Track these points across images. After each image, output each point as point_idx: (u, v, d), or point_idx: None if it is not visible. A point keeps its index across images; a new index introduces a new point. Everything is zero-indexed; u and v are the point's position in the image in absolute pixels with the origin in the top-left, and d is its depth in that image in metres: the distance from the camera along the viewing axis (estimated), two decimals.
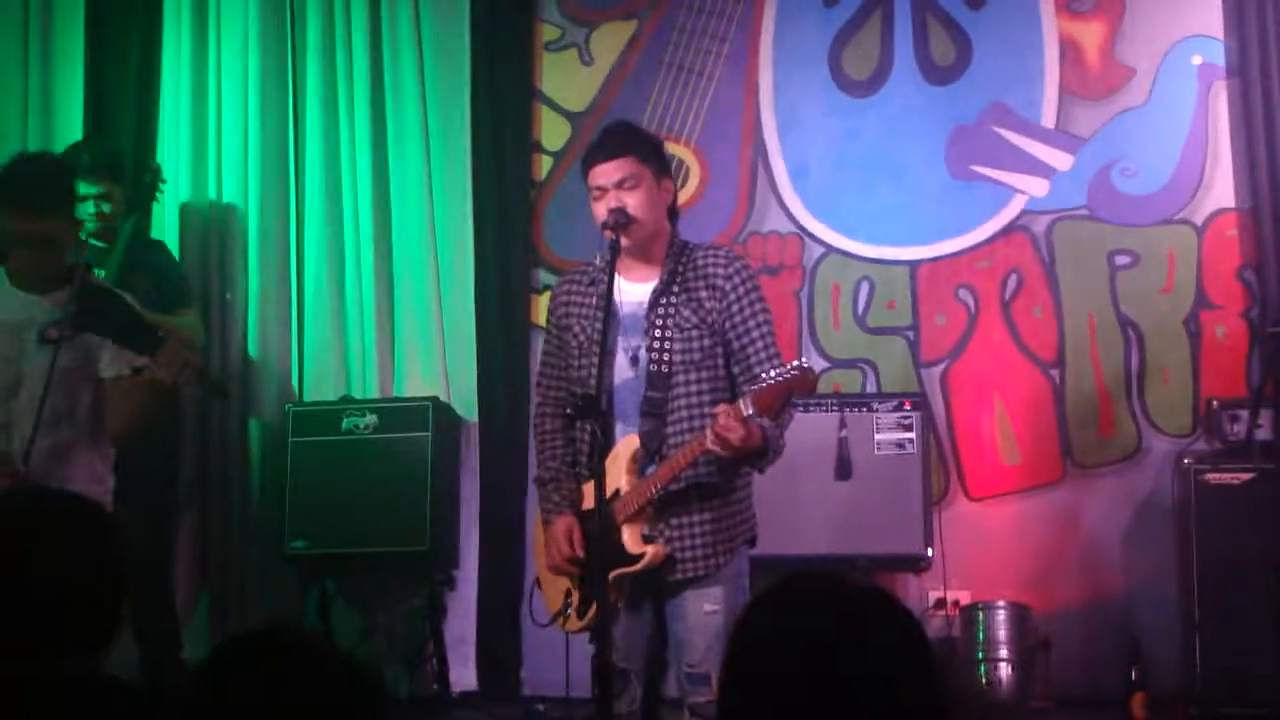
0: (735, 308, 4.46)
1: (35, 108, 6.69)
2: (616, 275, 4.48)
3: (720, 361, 4.46)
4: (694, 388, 4.41)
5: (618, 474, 4.37)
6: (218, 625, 6.48)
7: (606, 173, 4.43)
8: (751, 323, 4.47)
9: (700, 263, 4.51)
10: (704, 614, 4.40)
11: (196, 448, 6.60)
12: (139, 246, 5.93)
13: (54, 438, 4.61)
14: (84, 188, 5.71)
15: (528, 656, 6.39)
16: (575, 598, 4.47)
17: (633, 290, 4.45)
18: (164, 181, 6.31)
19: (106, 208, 5.87)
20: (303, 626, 5.99)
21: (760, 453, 4.33)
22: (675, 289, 4.47)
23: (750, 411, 4.16)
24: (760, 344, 4.45)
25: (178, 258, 6.49)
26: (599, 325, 4.47)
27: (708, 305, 4.45)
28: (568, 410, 4.43)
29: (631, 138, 4.58)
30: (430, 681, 6.31)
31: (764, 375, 4.22)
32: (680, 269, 4.50)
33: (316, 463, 6.29)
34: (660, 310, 4.44)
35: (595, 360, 4.40)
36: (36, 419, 4.50)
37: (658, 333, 4.43)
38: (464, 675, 6.41)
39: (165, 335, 4.61)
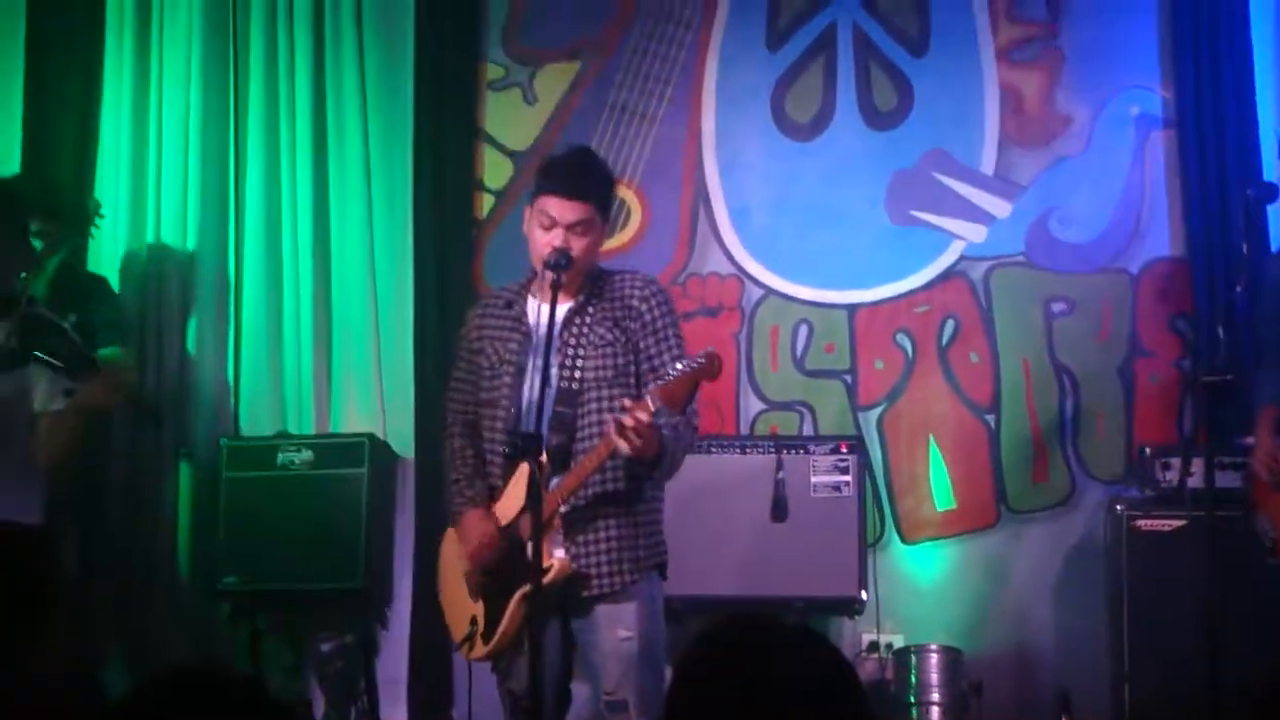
0: (650, 328, 4.49)
1: None
2: (532, 297, 4.52)
3: (633, 381, 4.46)
4: (605, 404, 4.42)
5: (519, 494, 4.36)
6: (144, 661, 6.41)
7: (563, 210, 4.41)
8: (665, 344, 4.49)
9: (618, 286, 4.54)
10: (619, 640, 4.41)
11: (126, 480, 6.54)
12: (70, 279, 5.87)
13: None
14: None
15: (459, 695, 6.35)
16: (481, 623, 4.46)
17: (548, 311, 4.40)
18: (101, 215, 6.28)
19: (38, 244, 5.82)
20: (231, 664, 5.96)
21: (657, 459, 4.31)
22: (590, 309, 4.49)
23: (658, 404, 4.15)
24: (670, 355, 4.44)
25: (117, 290, 6.44)
26: (511, 346, 4.50)
27: (624, 325, 4.47)
28: (504, 450, 4.42)
29: (595, 181, 4.55)
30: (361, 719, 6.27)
31: (668, 370, 4.19)
32: (598, 291, 4.51)
33: (250, 498, 6.25)
34: (574, 329, 4.46)
35: (508, 380, 4.45)
36: None
37: (570, 350, 4.43)
38: (395, 714, 6.37)
39: (100, 363, 4.60)
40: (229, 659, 6.11)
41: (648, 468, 4.39)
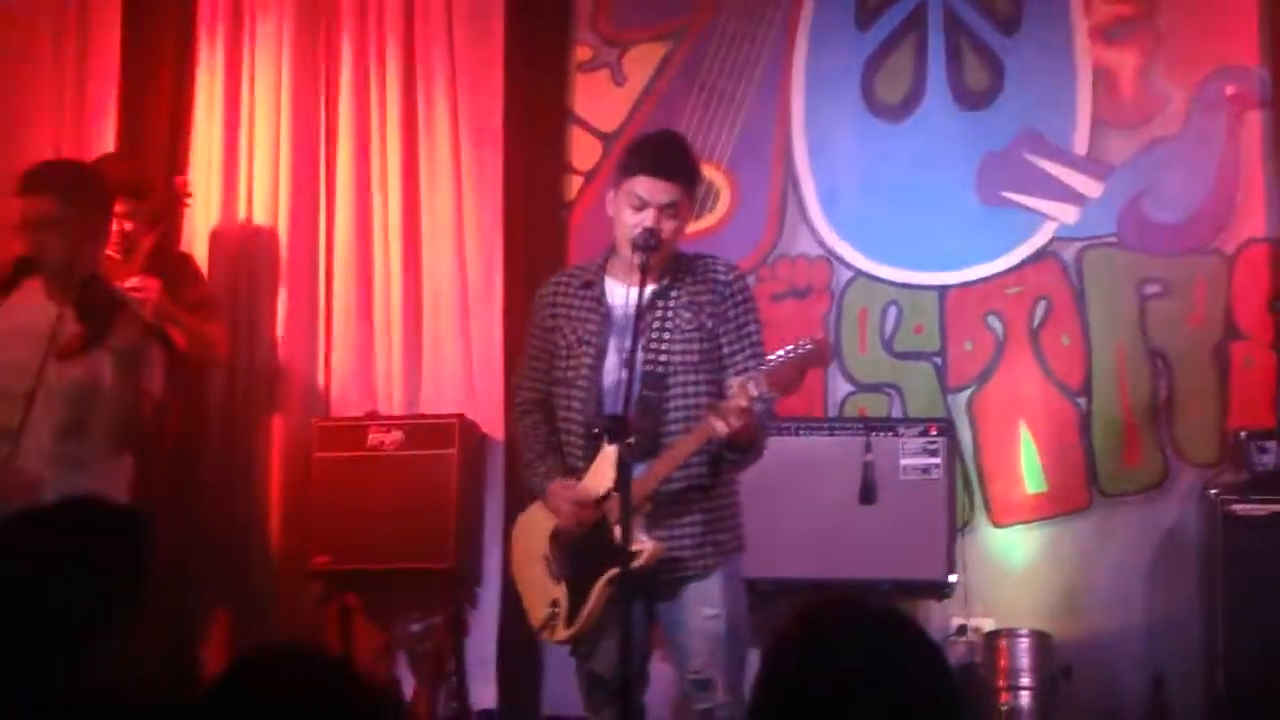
0: (732, 313, 4.49)
1: (69, 123, 6.72)
2: (610, 278, 4.52)
3: (716, 366, 4.48)
4: (691, 389, 4.44)
5: (605, 475, 4.35)
6: (237, 640, 6.48)
7: (656, 190, 4.42)
8: (745, 333, 4.51)
9: (700, 271, 4.54)
10: (705, 619, 4.44)
11: (221, 461, 6.62)
12: (161, 260, 5.95)
13: (65, 448, 4.64)
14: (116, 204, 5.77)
15: (548, 676, 6.38)
16: (563, 605, 4.47)
17: (626, 293, 4.43)
18: (190, 196, 6.34)
19: (128, 225, 5.89)
20: (322, 644, 6.01)
21: (751, 444, 4.35)
22: (674, 293, 4.48)
23: (762, 389, 4.18)
24: (750, 350, 4.47)
25: (207, 273, 6.51)
26: (591, 327, 4.49)
27: (707, 309, 4.46)
28: (594, 432, 4.43)
29: (685, 162, 4.57)
30: (450, 700, 6.31)
31: (774, 355, 4.23)
32: (679, 275, 4.51)
33: (341, 478, 6.29)
34: (658, 312, 4.45)
35: (588, 361, 4.46)
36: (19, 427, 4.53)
37: (655, 334, 4.43)
38: (484, 693, 6.41)
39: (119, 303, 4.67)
40: (319, 639, 6.16)
41: (740, 452, 4.40)
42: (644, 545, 4.33)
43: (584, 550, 4.47)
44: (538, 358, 4.66)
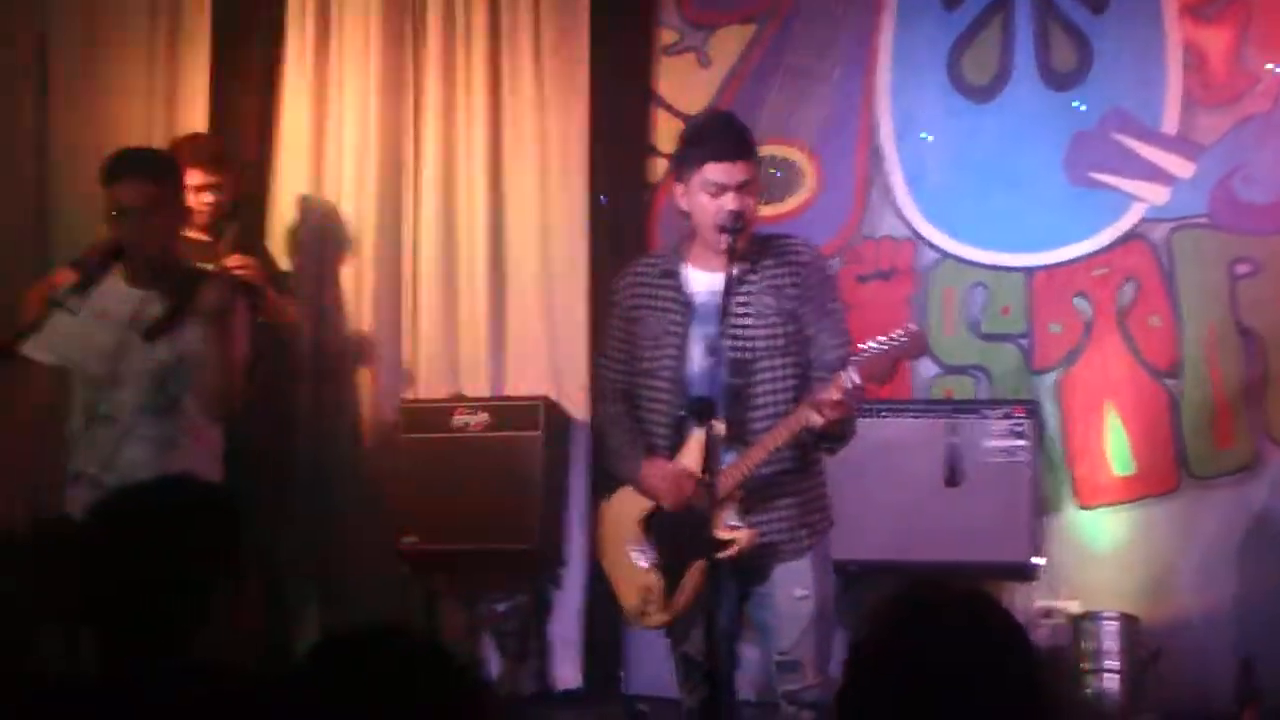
0: (813, 294, 4.49)
1: (160, 108, 6.79)
2: (687, 265, 4.52)
3: (802, 349, 4.47)
4: (776, 373, 4.44)
5: (693, 460, 4.37)
6: (325, 617, 6.55)
7: (732, 173, 4.43)
8: (827, 313, 4.50)
9: (778, 251, 4.53)
10: (794, 599, 4.44)
11: (310, 442, 6.68)
12: (247, 244, 6.05)
13: (160, 429, 4.70)
14: (198, 177, 5.86)
15: (631, 656, 6.40)
16: (656, 591, 4.47)
17: (707, 279, 4.44)
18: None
19: (211, 196, 5.96)
20: (409, 622, 6.06)
21: (842, 434, 4.37)
22: (754, 276, 4.47)
23: (857, 380, 4.19)
24: (834, 339, 4.47)
25: (294, 254, 6.59)
26: (674, 316, 4.50)
27: (788, 293, 4.45)
28: (681, 412, 4.44)
29: (747, 139, 4.57)
30: (534, 679, 6.35)
31: (871, 343, 4.24)
32: (759, 258, 4.50)
33: (427, 459, 6.33)
34: (740, 297, 4.44)
35: (672, 351, 4.46)
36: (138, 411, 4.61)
37: (738, 320, 4.42)
38: (568, 674, 6.44)
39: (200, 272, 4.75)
40: (407, 618, 6.21)
41: (834, 441, 4.42)
42: (739, 533, 4.34)
43: (676, 536, 4.48)
44: (620, 347, 4.67)
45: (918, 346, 4.30)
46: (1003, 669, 2.18)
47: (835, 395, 4.22)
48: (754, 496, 4.42)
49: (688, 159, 4.52)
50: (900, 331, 4.28)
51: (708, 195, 4.43)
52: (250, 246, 6.09)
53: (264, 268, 6.04)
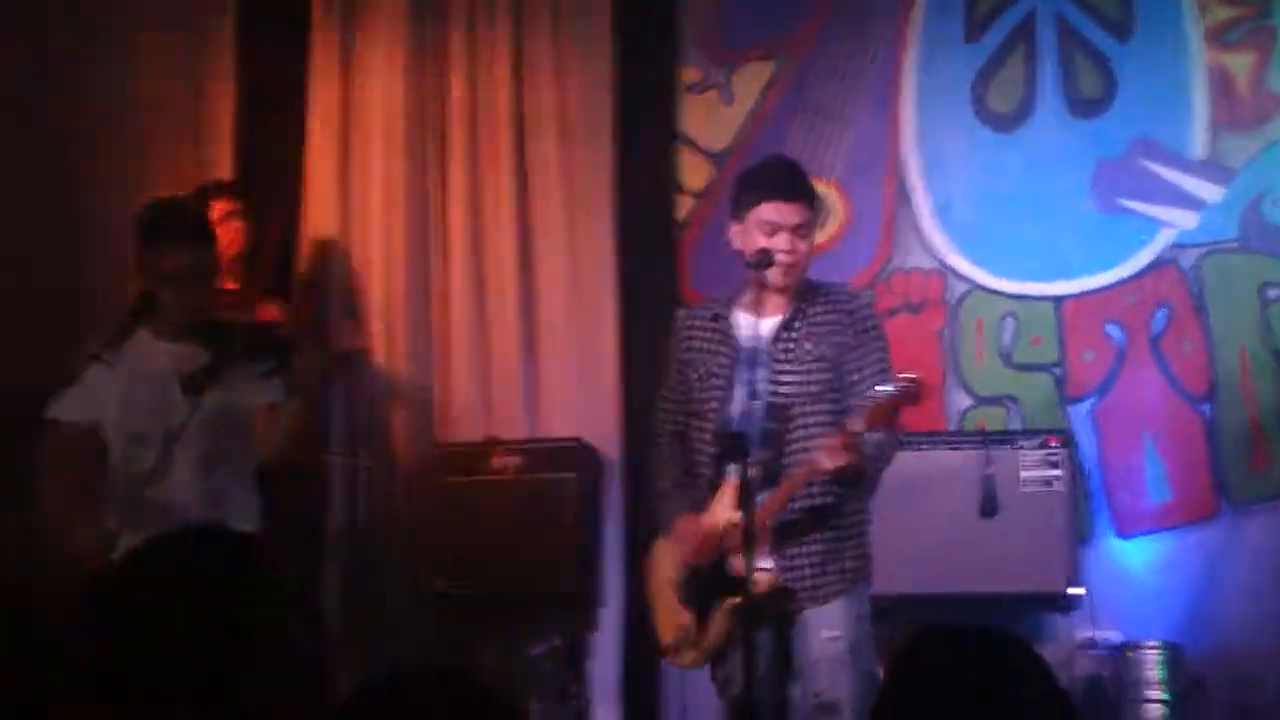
0: (855, 341, 4.53)
1: (186, 155, 6.84)
2: (738, 310, 4.55)
3: (839, 395, 4.51)
4: (812, 419, 4.47)
5: (729, 502, 4.39)
6: (364, 662, 6.54)
7: (786, 213, 4.50)
8: (871, 359, 4.54)
9: (825, 299, 4.57)
10: (825, 641, 4.46)
11: (345, 489, 6.69)
12: (278, 292, 6.13)
13: (211, 482, 4.72)
14: (222, 206, 6.05)
15: (670, 699, 6.38)
16: (691, 630, 4.49)
17: (755, 324, 4.47)
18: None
19: (238, 222, 6.04)
20: (448, 666, 6.05)
21: (858, 477, 4.41)
22: (798, 324, 4.50)
23: (860, 426, 4.24)
24: (874, 380, 4.48)
25: (324, 301, 6.63)
26: (721, 360, 4.54)
27: (830, 339, 4.48)
28: (714, 449, 4.46)
29: (806, 182, 4.67)
30: None
31: (870, 393, 4.30)
32: (805, 306, 4.51)
33: (461, 502, 6.34)
34: (782, 343, 4.49)
35: (717, 394, 4.52)
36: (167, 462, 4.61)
37: (778, 365, 4.46)
38: (607, 716, 6.42)
39: (296, 346, 4.76)
40: (445, 662, 6.20)
41: (849, 485, 4.44)
42: (760, 574, 4.36)
43: (709, 577, 4.52)
44: (675, 388, 4.75)
45: (916, 394, 4.32)
46: (1027, 707, 2.18)
47: (838, 442, 4.25)
48: (784, 538, 4.45)
49: (744, 198, 4.57)
50: (902, 378, 4.33)
51: (762, 235, 4.46)
52: (279, 293, 6.15)
53: (299, 314, 6.11)
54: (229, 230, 6.03)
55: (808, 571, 4.49)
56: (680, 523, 4.57)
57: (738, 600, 4.33)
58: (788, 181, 4.58)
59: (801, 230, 4.50)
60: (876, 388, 4.30)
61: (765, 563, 4.41)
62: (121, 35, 6.79)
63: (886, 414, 4.27)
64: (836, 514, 4.54)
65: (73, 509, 4.68)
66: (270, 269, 6.30)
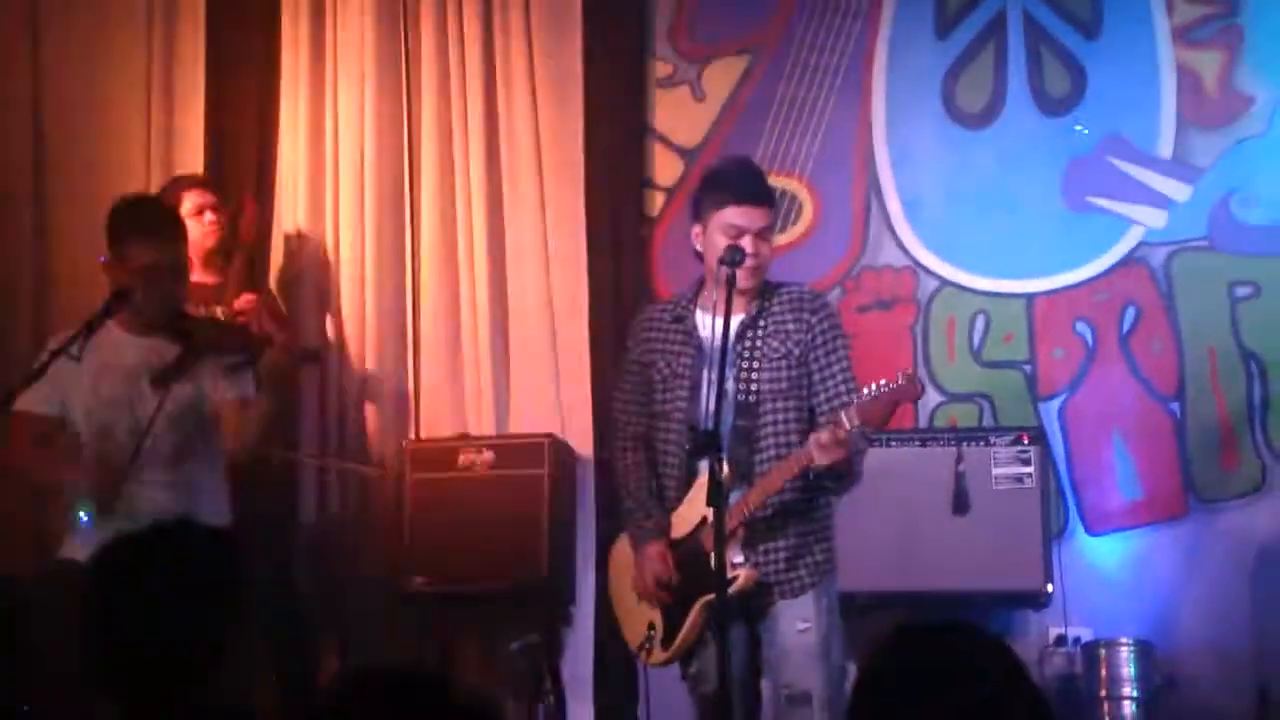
0: (820, 339, 4.55)
1: (157, 149, 6.82)
2: (699, 310, 4.58)
3: (805, 393, 4.54)
4: (781, 416, 4.51)
5: (700, 502, 4.38)
6: (336, 660, 6.52)
7: (751, 217, 4.52)
8: (834, 356, 4.57)
9: (786, 298, 4.60)
10: (796, 633, 4.49)
11: (316, 485, 6.67)
12: (251, 284, 6.11)
13: (178, 474, 4.72)
14: (196, 197, 6.04)
15: (646, 694, 6.36)
16: (659, 629, 4.51)
17: (717, 324, 4.46)
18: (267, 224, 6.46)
19: (213, 215, 6.04)
20: (420, 663, 6.04)
21: (845, 473, 4.45)
22: (762, 322, 4.52)
23: (855, 422, 4.25)
24: (841, 382, 4.55)
25: (293, 297, 6.61)
26: (685, 360, 4.54)
27: (795, 337, 4.51)
28: (686, 447, 4.47)
29: (768, 186, 4.71)
30: (548, 718, 6.31)
31: (867, 389, 4.30)
32: (767, 304, 4.54)
33: (434, 499, 6.32)
34: (747, 341, 4.51)
35: (683, 394, 4.53)
36: (137, 455, 4.61)
37: (744, 363, 4.49)
38: (582, 712, 6.40)
39: (265, 342, 4.79)
40: (418, 659, 6.19)
41: (836, 479, 4.48)
42: (739, 571, 4.41)
43: (680, 574, 4.52)
44: (634, 391, 4.75)
45: (913, 391, 4.33)
46: (999, 703, 2.18)
47: (834, 436, 4.26)
48: (755, 534, 4.48)
49: (707, 201, 4.57)
50: (898, 375, 4.33)
51: (724, 238, 4.47)
52: (255, 286, 6.14)
53: (272, 308, 6.09)
54: (204, 223, 6.02)
55: (781, 565, 4.52)
56: (648, 551, 4.56)
57: (712, 598, 4.32)
58: (751, 186, 4.60)
59: (765, 233, 4.54)
60: (878, 384, 4.30)
61: (738, 557, 4.43)
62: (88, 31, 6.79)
63: (881, 411, 4.28)
64: (807, 509, 4.56)
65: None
66: (247, 262, 6.25)
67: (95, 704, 2.84)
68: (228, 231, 6.16)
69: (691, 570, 4.48)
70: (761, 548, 4.49)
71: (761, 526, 4.49)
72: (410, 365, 6.81)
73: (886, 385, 4.30)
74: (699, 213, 4.60)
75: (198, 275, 5.85)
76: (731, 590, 4.35)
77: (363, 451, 6.73)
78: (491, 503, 6.24)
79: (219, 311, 5.85)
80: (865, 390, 4.33)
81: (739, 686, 4.45)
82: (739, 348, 4.51)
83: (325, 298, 6.83)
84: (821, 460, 4.29)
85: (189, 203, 6.03)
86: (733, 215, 4.49)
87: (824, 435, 4.27)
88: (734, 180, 4.64)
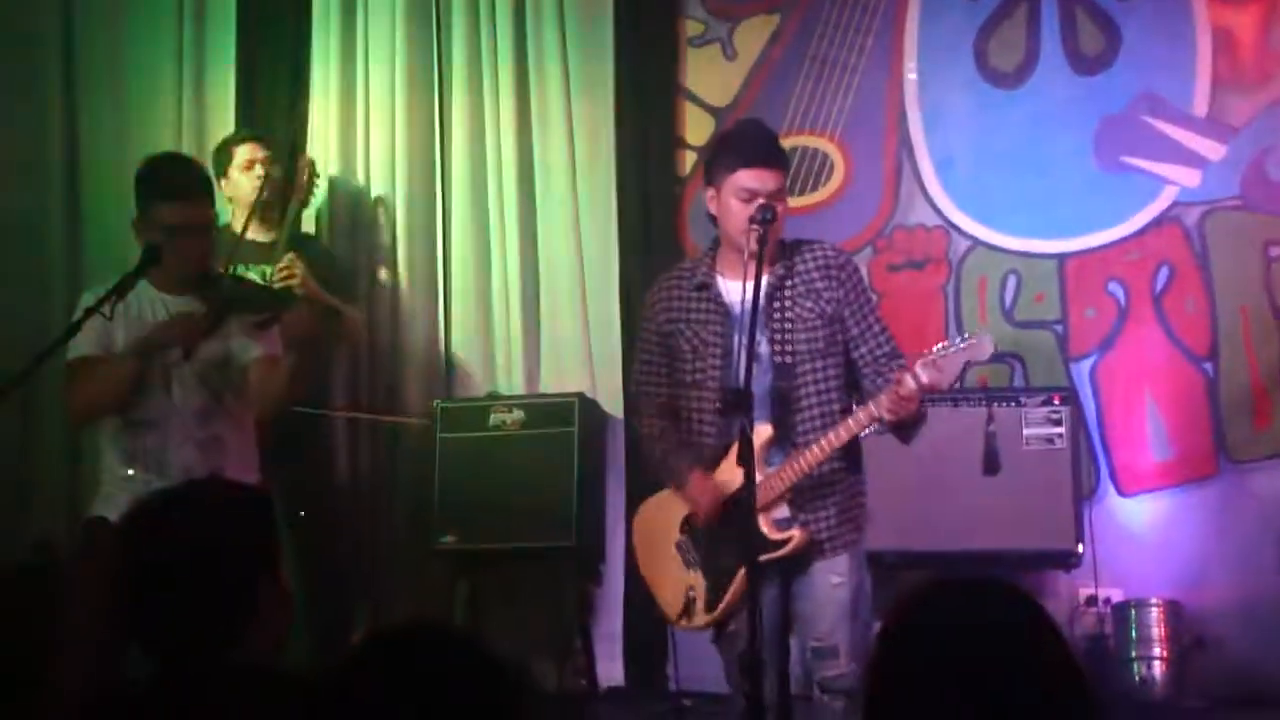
0: (852, 295, 4.56)
1: (189, 106, 6.84)
2: (722, 276, 4.54)
3: (841, 350, 4.54)
4: (819, 375, 4.51)
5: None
6: (366, 618, 6.55)
7: (764, 179, 4.48)
8: (868, 310, 4.59)
9: (810, 257, 4.59)
10: (831, 587, 4.50)
11: (348, 444, 6.69)
12: (299, 238, 6.13)
13: (207, 431, 4.74)
14: (247, 151, 6.09)
15: (675, 651, 6.39)
16: (700, 592, 4.50)
17: (743, 288, 4.42)
18: (318, 176, 6.43)
19: (263, 170, 6.06)
20: (450, 621, 6.06)
21: (915, 424, 4.44)
22: (790, 282, 4.51)
23: (924, 380, 4.26)
24: (881, 334, 4.57)
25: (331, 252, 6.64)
26: (714, 328, 4.54)
27: (825, 295, 4.51)
28: (717, 405, 4.46)
29: (780, 148, 4.68)
30: (578, 676, 6.33)
31: (940, 346, 4.32)
32: (792, 264, 4.53)
33: (464, 458, 6.33)
34: (779, 303, 4.48)
35: (716, 362, 4.51)
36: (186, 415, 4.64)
37: (777, 325, 4.47)
38: (611, 670, 6.43)
39: (292, 301, 4.81)
40: (448, 617, 6.22)
41: (906, 431, 4.49)
42: (792, 532, 4.43)
43: (721, 536, 4.52)
44: (656, 361, 4.70)
45: (985, 349, 4.36)
46: (1028, 658, 2.18)
47: (909, 389, 4.28)
48: (803, 495, 4.49)
49: (720, 164, 4.56)
50: (972, 334, 4.39)
51: (739, 201, 4.46)
52: (307, 247, 6.17)
53: (327, 270, 6.11)
54: (254, 176, 6.05)
55: (831, 524, 4.53)
56: (694, 481, 4.54)
57: (766, 558, 4.35)
58: (763, 148, 4.58)
59: (778, 195, 4.50)
60: (949, 341, 4.33)
61: (783, 513, 4.46)
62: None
63: (953, 369, 4.31)
64: (850, 469, 4.58)
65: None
66: (297, 220, 6.27)
67: (128, 661, 2.86)
68: (279, 186, 6.18)
69: (732, 531, 4.45)
70: (810, 506, 4.50)
71: (809, 487, 4.49)
72: (441, 325, 6.81)
73: (961, 343, 4.33)
74: (712, 177, 4.58)
75: (252, 232, 5.91)
76: (784, 552, 4.40)
77: (395, 410, 6.74)
78: (521, 462, 6.25)
79: (267, 271, 5.87)
80: (939, 347, 4.34)
81: (770, 644, 4.45)
82: (771, 310, 4.49)
83: (356, 260, 6.83)
84: (889, 417, 4.33)
85: (240, 156, 6.10)
86: (745, 178, 4.47)
87: (897, 390, 4.28)
88: (745, 143, 4.63)
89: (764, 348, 4.47)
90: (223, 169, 6.11)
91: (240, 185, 6.11)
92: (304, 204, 6.34)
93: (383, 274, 6.80)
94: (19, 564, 5.00)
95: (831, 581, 4.50)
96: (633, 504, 6.41)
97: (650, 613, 6.31)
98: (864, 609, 4.56)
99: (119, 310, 4.63)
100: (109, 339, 4.71)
